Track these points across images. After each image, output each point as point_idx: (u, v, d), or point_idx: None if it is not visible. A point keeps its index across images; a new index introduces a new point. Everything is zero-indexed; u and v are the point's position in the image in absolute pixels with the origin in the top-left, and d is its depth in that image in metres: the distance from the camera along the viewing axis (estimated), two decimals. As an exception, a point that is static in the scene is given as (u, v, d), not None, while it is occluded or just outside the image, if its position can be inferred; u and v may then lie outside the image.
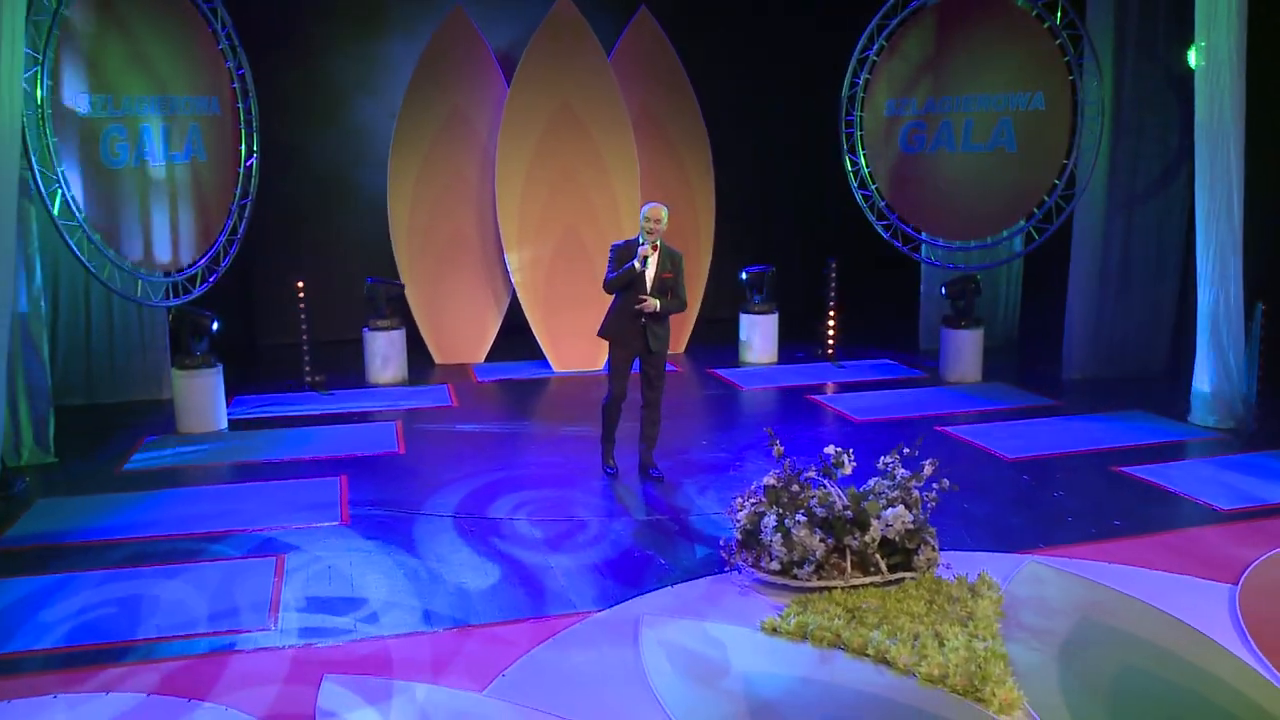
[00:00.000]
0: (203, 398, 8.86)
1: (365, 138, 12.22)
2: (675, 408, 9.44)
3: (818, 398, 9.90)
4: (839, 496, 5.49)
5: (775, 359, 11.48)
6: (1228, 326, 8.55)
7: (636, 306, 7.02)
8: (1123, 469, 7.62)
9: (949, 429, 8.76)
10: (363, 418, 9.36)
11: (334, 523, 6.68)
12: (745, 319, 11.56)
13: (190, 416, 8.85)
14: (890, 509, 5.37)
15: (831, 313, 11.40)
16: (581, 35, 11.04)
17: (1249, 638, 4.89)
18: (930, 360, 11.10)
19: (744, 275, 11.60)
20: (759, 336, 11.49)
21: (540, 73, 11.02)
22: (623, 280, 7.01)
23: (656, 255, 7.06)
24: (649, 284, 7.04)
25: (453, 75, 11.25)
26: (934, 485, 5.71)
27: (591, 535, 6.45)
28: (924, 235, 11.05)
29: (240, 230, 9.67)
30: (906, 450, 5.87)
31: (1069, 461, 7.88)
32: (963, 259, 11.16)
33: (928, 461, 5.76)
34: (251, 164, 9.82)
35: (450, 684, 4.59)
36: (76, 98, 7.94)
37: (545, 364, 11.08)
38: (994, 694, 4.31)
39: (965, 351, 10.57)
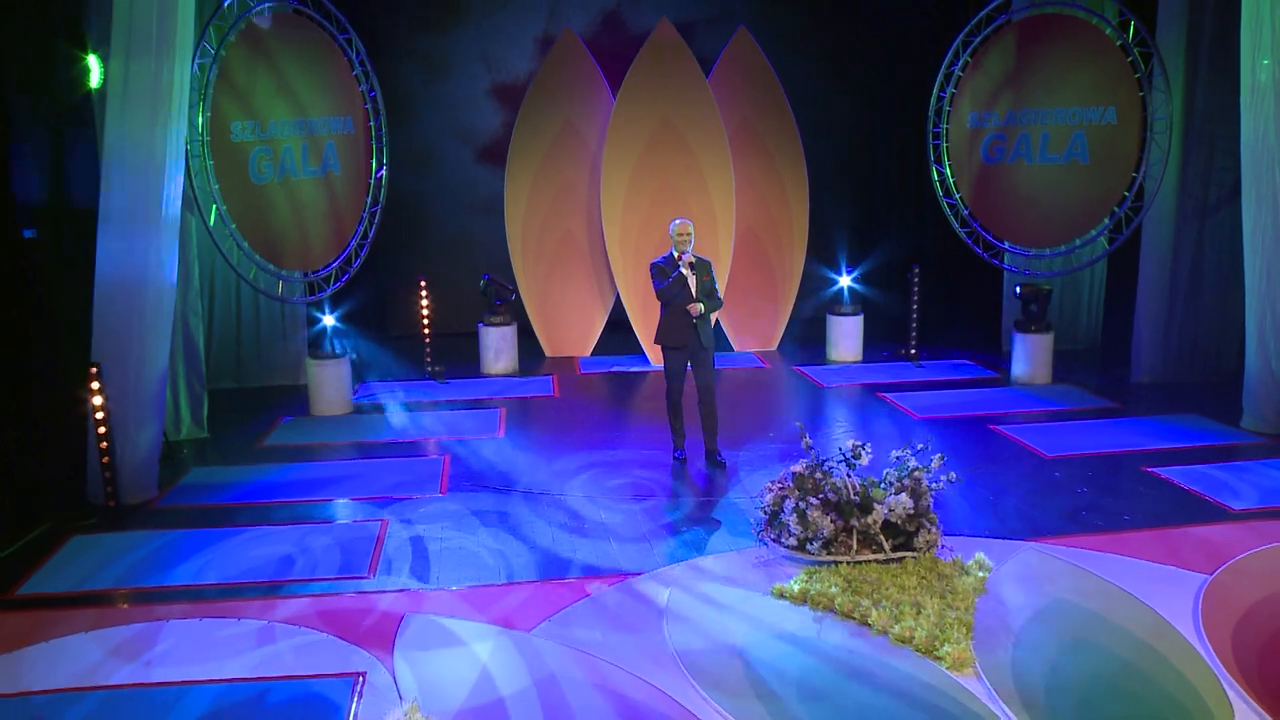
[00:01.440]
0: (333, 384, 10.11)
1: (485, 148, 13.39)
2: (754, 401, 10.36)
3: (888, 395, 10.62)
4: (852, 484, 6.32)
5: (860, 358, 12.23)
6: (1274, 338, 9.00)
7: (687, 308, 7.97)
8: (1153, 469, 8.17)
9: (1002, 427, 9.41)
10: (472, 405, 10.49)
11: (435, 494, 7.81)
12: (832, 319, 12.35)
13: (322, 400, 10.12)
14: (894, 495, 6.19)
15: (914, 315, 12.09)
16: (681, 55, 11.97)
17: (1200, 623, 5.55)
18: (1007, 362, 11.68)
19: (835, 278, 12.36)
20: (845, 337, 12.26)
21: (643, 90, 11.97)
22: (675, 288, 7.97)
23: (695, 263, 8.04)
24: (694, 290, 7.99)
25: (564, 91, 12.28)
26: (940, 477, 6.50)
27: (650, 512, 7.41)
28: (1005, 243, 11.64)
29: (371, 234, 10.90)
30: (920, 446, 6.67)
31: (1104, 461, 8.46)
32: (1045, 266, 11.69)
33: (936, 455, 6.55)
34: (381, 175, 11.04)
35: (506, 625, 5.62)
36: (230, 125, 9.23)
37: (644, 358, 12.06)
38: (949, 653, 5.13)
39: (1035, 354, 11.13)
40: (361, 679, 5.08)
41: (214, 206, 9.01)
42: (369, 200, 10.98)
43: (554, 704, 4.83)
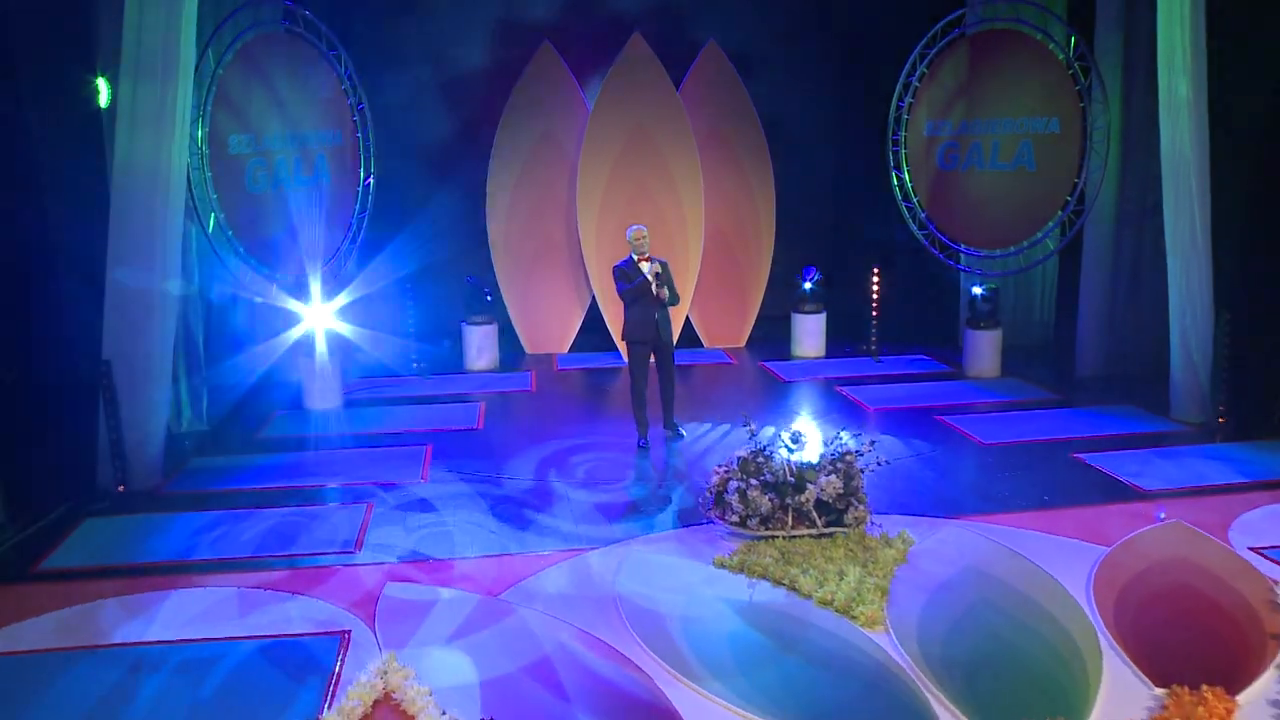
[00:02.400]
0: (324, 380, 10.81)
1: (467, 157, 14.04)
2: (718, 395, 11.07)
3: (845, 388, 11.34)
4: (789, 466, 7.04)
5: (822, 353, 12.96)
6: (1195, 334, 9.71)
7: (656, 293, 8.78)
8: (1080, 455, 8.89)
9: (947, 417, 10.13)
10: (454, 399, 11.20)
11: (416, 480, 8.51)
12: (796, 317, 13.07)
13: (314, 394, 10.82)
14: (826, 476, 6.90)
15: (874, 313, 12.81)
16: (652, 68, 12.68)
17: (1091, 589, 6.26)
18: (962, 358, 12.38)
19: (799, 279, 13.07)
20: (808, 334, 12.99)
21: (617, 100, 12.69)
22: (637, 288, 8.70)
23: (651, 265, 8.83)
24: (654, 286, 8.73)
25: (543, 102, 12.98)
26: (872, 461, 7.23)
27: (612, 494, 8.12)
28: (961, 245, 12.36)
29: (359, 239, 11.58)
30: (857, 432, 7.39)
31: (1037, 447, 9.18)
32: (999, 265, 12.40)
33: (867, 441, 7.27)
34: (369, 183, 11.73)
35: (475, 591, 6.33)
36: (227, 139, 9.92)
37: (618, 355, 12.76)
38: (863, 613, 5.84)
39: (985, 350, 11.88)
40: (347, 636, 5.78)
41: (212, 214, 9.69)
42: (357, 207, 11.67)
43: (516, 654, 5.53)
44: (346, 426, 10.18)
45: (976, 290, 11.93)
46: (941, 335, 13.34)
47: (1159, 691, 5.07)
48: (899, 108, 12.47)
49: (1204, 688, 4.98)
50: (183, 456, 9.18)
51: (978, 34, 12.05)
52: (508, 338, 13.02)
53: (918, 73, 12.32)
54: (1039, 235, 11.82)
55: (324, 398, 10.81)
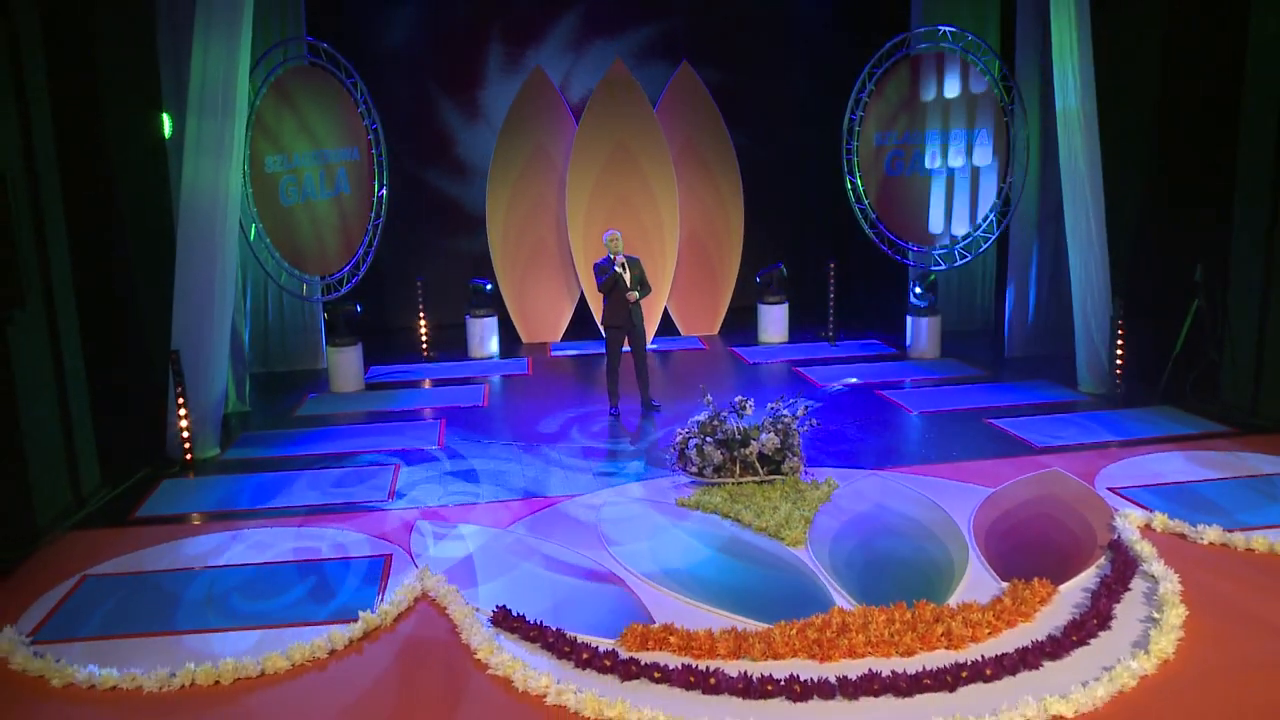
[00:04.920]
0: (348, 366, 12.47)
1: (469, 169, 15.76)
2: (690, 375, 12.72)
3: (802, 369, 13.02)
4: (738, 427, 8.70)
5: (785, 339, 14.65)
6: (1095, 318, 11.37)
7: (625, 295, 10.45)
8: (992, 421, 10.55)
9: (886, 392, 11.80)
10: (461, 381, 12.86)
11: (434, 446, 10.16)
12: (762, 307, 14.75)
13: (339, 379, 12.48)
14: (765, 434, 8.57)
15: (831, 303, 14.48)
16: (632, 89, 14.34)
17: (971, 520, 7.91)
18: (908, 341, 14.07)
19: (762, 274, 14.77)
20: (772, 322, 14.67)
21: (601, 119, 14.35)
22: (612, 283, 10.42)
23: (625, 262, 10.57)
24: (629, 282, 10.42)
25: (535, 120, 14.65)
26: (806, 422, 8.91)
27: (595, 453, 9.80)
28: (910, 243, 14.00)
29: (375, 242, 13.22)
30: (793, 400, 9.07)
31: (958, 415, 10.83)
32: (946, 259, 14.04)
33: (803, 405, 8.95)
34: (383, 194, 13.35)
35: (488, 525, 8.00)
36: (264, 159, 11.55)
37: (603, 343, 14.37)
38: (789, 535, 7.51)
39: (926, 334, 13.56)
40: (389, 558, 7.44)
41: (253, 225, 11.33)
42: (373, 215, 13.30)
43: (521, 566, 7.19)
44: (371, 405, 11.84)
45: (917, 291, 13.56)
46: (892, 322, 15.00)
47: (1004, 584, 6.73)
48: (851, 120, 14.11)
49: (1035, 580, 6.65)
50: (232, 432, 10.83)
51: (918, 55, 13.71)
52: (506, 329, 14.68)
53: (867, 89, 13.96)
54: (973, 232, 13.49)
55: (348, 381, 12.45)
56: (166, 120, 10.21)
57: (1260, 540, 7.25)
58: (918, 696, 5.48)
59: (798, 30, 16.42)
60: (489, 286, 14.35)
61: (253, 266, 12.13)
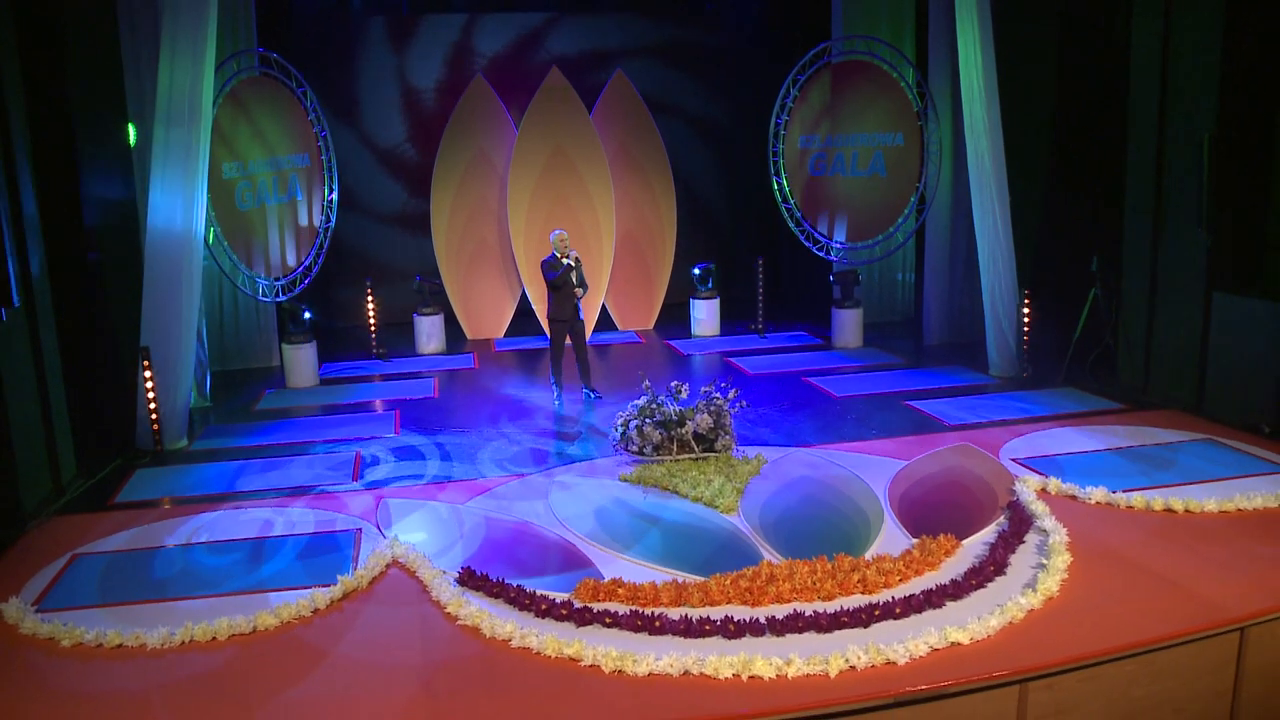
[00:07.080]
0: (304, 362, 13.05)
1: (414, 174, 16.39)
2: (628, 366, 13.48)
3: (733, 359, 13.85)
4: (674, 409, 9.49)
5: (717, 332, 15.47)
6: (1003, 307, 12.32)
7: (574, 290, 11.28)
8: (910, 403, 11.44)
9: (812, 379, 12.67)
10: (411, 375, 13.51)
11: (391, 434, 10.83)
12: (695, 302, 15.56)
13: (295, 375, 13.06)
14: (699, 415, 9.37)
15: (760, 297, 15.33)
16: (569, 97, 15.08)
17: (886, 488, 8.77)
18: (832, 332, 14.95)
19: (695, 270, 15.57)
20: (705, 316, 15.49)
21: (540, 124, 15.07)
22: (562, 278, 11.17)
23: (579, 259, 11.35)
24: (574, 279, 11.20)
25: (477, 126, 15.32)
26: (736, 404, 9.72)
27: (542, 436, 10.54)
28: (836, 240, 14.88)
29: (325, 245, 13.83)
30: (724, 384, 9.87)
31: (878, 398, 11.71)
32: (864, 255, 14.95)
33: (732, 391, 9.76)
34: (333, 198, 13.97)
35: (447, 501, 8.70)
36: (220, 166, 12.11)
37: (544, 338, 15.10)
38: (722, 504, 8.32)
39: (848, 325, 14.45)
40: (360, 532, 8.11)
41: (211, 228, 11.88)
42: (322, 219, 13.91)
43: (481, 535, 7.91)
44: (326, 399, 12.45)
45: (837, 288, 14.45)
46: (819, 314, 15.88)
47: (914, 540, 7.59)
48: (777, 124, 14.96)
49: (942, 535, 7.51)
50: (196, 426, 11.38)
51: (839, 63, 14.60)
52: (452, 326, 15.35)
53: (791, 94, 14.82)
54: (891, 230, 14.42)
55: (303, 377, 13.04)
56: (131, 129, 10.75)
57: (1139, 499, 8.20)
58: (836, 632, 6.30)
59: (727, 38, 17.31)
60: (437, 286, 15.00)
61: (209, 267, 12.65)
